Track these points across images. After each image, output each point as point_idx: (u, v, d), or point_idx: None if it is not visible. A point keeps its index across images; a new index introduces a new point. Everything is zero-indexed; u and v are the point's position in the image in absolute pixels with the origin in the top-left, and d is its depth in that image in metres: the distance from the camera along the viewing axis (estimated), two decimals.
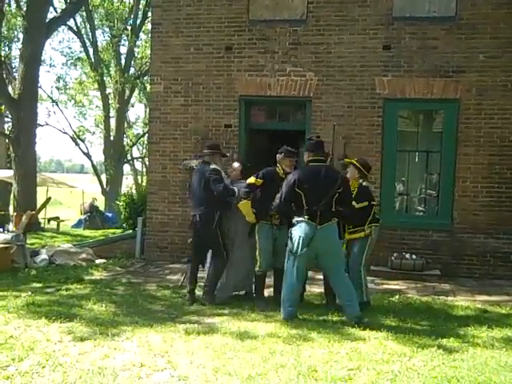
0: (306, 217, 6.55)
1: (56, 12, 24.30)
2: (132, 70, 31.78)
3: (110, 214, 24.53)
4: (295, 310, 6.77)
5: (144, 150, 40.06)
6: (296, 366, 5.04)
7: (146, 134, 28.82)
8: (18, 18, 25.19)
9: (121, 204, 14.96)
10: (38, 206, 16.44)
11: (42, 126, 31.61)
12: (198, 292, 7.71)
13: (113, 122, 31.71)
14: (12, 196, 20.68)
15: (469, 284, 9.64)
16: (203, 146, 7.63)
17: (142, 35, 31.10)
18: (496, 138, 10.20)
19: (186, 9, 11.09)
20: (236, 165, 8.10)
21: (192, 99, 11.12)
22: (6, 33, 25.53)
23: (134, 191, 15.70)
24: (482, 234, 10.28)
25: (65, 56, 33.97)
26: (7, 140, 22.11)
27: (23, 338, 5.67)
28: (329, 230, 6.58)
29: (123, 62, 31.01)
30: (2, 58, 22.47)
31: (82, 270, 9.85)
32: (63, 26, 28.00)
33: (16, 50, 28.27)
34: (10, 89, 21.35)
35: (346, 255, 7.25)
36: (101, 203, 29.64)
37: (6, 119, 26.11)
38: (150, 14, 20.62)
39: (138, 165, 45.38)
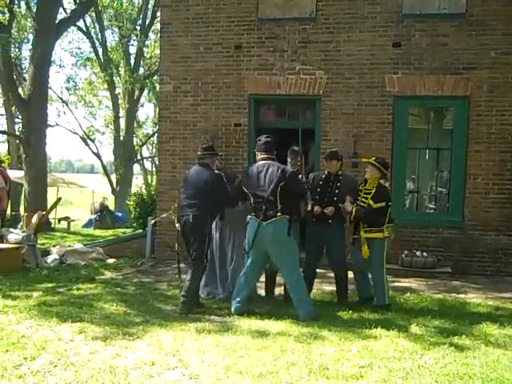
0: (252, 214, 6.69)
1: (66, 13, 24.33)
2: (141, 70, 31.85)
3: (120, 214, 24.56)
4: (242, 305, 6.81)
5: (154, 150, 40.23)
6: (307, 363, 5.03)
7: (156, 134, 28.89)
8: (28, 20, 25.33)
9: (131, 203, 15.02)
10: (49, 206, 16.50)
11: (52, 126, 31.81)
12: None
13: (122, 122, 31.76)
14: (23, 196, 20.76)
15: (480, 281, 9.60)
16: (200, 149, 7.31)
17: (151, 35, 31.20)
18: (507, 134, 10.15)
19: (194, 8, 11.09)
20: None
21: (201, 98, 11.13)
22: (16, 34, 25.66)
23: (143, 191, 15.74)
24: (493, 231, 10.23)
25: (74, 56, 34.22)
26: (18, 141, 22.21)
27: (35, 338, 5.69)
28: (274, 226, 6.55)
29: (132, 61, 31.07)
30: (13, 60, 22.58)
31: (93, 270, 9.88)
32: (73, 27, 28.11)
33: (26, 51, 28.47)
34: (20, 90, 21.47)
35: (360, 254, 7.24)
36: (111, 203, 29.72)
37: (17, 120, 26.28)
38: (158, 13, 20.60)
39: (147, 164, 45.60)
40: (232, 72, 10.98)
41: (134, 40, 30.76)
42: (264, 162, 6.79)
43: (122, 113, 32.19)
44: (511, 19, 10.06)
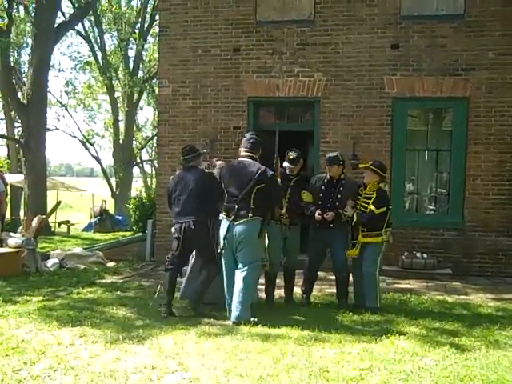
0: (224, 213, 6.61)
1: (64, 17, 24.38)
2: (140, 74, 31.83)
3: (120, 217, 24.55)
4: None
5: (153, 153, 40.21)
6: (307, 366, 5.02)
7: (155, 137, 28.89)
8: (27, 24, 25.33)
9: (131, 207, 15.01)
10: (49, 210, 16.50)
11: (51, 130, 31.83)
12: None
13: (122, 126, 31.76)
14: (22, 200, 20.77)
15: (480, 282, 9.60)
16: (182, 153, 7.18)
17: (149, 38, 31.19)
18: (506, 135, 10.15)
19: (193, 11, 11.10)
20: (219, 162, 7.80)
21: (200, 101, 11.13)
22: (15, 39, 25.67)
23: (143, 194, 15.74)
24: (493, 232, 10.23)
25: (73, 60, 34.14)
26: (17, 145, 22.22)
27: (35, 342, 5.69)
28: (244, 226, 6.44)
29: (131, 65, 31.06)
30: (12, 64, 22.60)
31: (93, 274, 9.87)
32: (71, 31, 28.16)
33: (25, 55, 28.47)
34: (19, 94, 21.49)
35: (358, 258, 7.24)
36: (111, 206, 29.71)
37: (16, 124, 26.30)
38: (157, 17, 20.63)
39: (147, 167, 45.57)
40: (231, 75, 10.99)
41: (132, 43, 30.77)
42: (245, 159, 6.67)
43: (121, 116, 32.20)
44: (509, 20, 10.07)
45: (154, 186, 26.89)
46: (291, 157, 7.34)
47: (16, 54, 27.88)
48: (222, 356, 5.30)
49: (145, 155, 42.01)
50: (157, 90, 16.05)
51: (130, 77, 29.62)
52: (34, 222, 10.76)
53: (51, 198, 20.52)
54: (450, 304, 7.83)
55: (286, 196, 7.22)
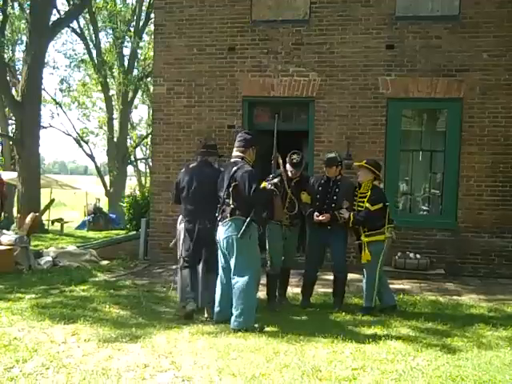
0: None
1: (59, 14, 24.21)
2: (135, 72, 31.76)
3: (113, 215, 24.53)
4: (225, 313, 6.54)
5: (147, 151, 40.10)
6: (300, 365, 5.03)
7: (150, 136, 28.84)
8: (22, 21, 25.27)
9: (124, 205, 15.00)
10: (42, 207, 16.48)
11: (45, 128, 31.62)
12: None
13: (116, 124, 31.67)
14: (16, 198, 20.70)
15: (473, 283, 9.62)
16: (204, 145, 7.14)
17: (145, 37, 31.14)
18: (500, 136, 10.18)
19: (188, 10, 11.09)
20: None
21: (195, 100, 11.12)
22: (9, 35, 25.61)
23: (137, 192, 15.73)
24: (486, 233, 10.25)
25: (68, 58, 33.99)
26: (11, 142, 22.15)
27: (27, 340, 5.68)
28: (226, 227, 6.35)
29: (126, 63, 30.99)
30: (6, 61, 22.52)
31: (86, 272, 9.85)
32: (66, 28, 28.05)
33: (19, 52, 28.41)
34: (13, 91, 21.40)
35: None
36: (105, 204, 29.65)
37: (10, 121, 26.21)
38: (152, 15, 20.60)
39: (141, 166, 45.45)
40: (225, 74, 10.98)
41: (127, 42, 30.70)
42: (233, 159, 6.59)
43: (115, 114, 32.11)
44: (504, 21, 10.09)
45: (148, 185, 26.87)
46: (295, 160, 7.21)
47: (10, 51, 27.79)
48: (215, 355, 5.31)
49: (139, 153, 41.93)
50: (151, 88, 16.05)
51: (125, 75, 29.56)
52: (27, 220, 10.75)
53: (45, 196, 20.48)
54: (443, 304, 7.85)
55: (286, 197, 7.21)
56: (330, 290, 7.78)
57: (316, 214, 7.21)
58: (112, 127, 31.87)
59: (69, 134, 34.69)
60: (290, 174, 7.26)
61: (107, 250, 12.00)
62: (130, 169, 39.73)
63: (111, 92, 32.38)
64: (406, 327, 6.50)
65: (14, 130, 23.14)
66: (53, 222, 23.07)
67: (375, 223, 7.12)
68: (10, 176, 20.81)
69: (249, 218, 6.25)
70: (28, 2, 19.90)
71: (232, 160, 6.62)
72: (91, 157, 35.33)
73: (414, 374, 4.89)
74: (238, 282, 6.28)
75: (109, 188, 32.28)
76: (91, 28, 30.10)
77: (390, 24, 10.43)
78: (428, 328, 6.52)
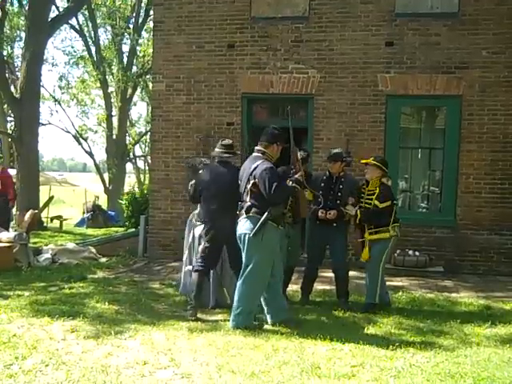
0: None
1: (58, 11, 24.24)
2: (134, 69, 31.67)
3: (112, 213, 24.47)
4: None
5: (146, 149, 40.05)
6: (299, 363, 5.04)
7: (149, 133, 28.80)
8: (21, 18, 25.21)
9: (123, 202, 14.97)
10: (41, 204, 16.47)
11: (44, 125, 31.56)
12: None
13: (115, 121, 31.60)
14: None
15: (472, 280, 9.63)
16: (219, 145, 6.92)
17: (144, 33, 31.00)
18: (499, 134, 10.17)
19: (187, 6, 11.06)
20: None
21: (194, 97, 11.11)
22: (8, 32, 25.53)
23: (136, 189, 15.70)
24: (485, 231, 10.26)
25: (67, 55, 33.87)
26: (10, 139, 22.12)
27: (26, 337, 5.69)
28: (240, 224, 6.27)
29: (125, 60, 30.93)
30: (5, 58, 22.48)
31: (85, 269, 9.86)
32: (65, 25, 27.99)
33: (18, 49, 28.32)
34: (12, 88, 21.37)
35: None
36: (103, 202, 29.61)
37: (9, 118, 26.17)
38: (152, 12, 20.56)
39: (140, 163, 45.39)
40: (225, 71, 10.97)
41: (127, 38, 30.63)
42: (254, 154, 6.46)
43: (114, 111, 32.04)
44: (503, 19, 10.09)
45: (147, 182, 26.85)
46: (300, 157, 7.12)
47: (9, 48, 27.73)
48: (214, 352, 5.31)
49: (138, 151, 41.86)
50: (150, 85, 16.03)
51: (124, 72, 29.50)
52: (27, 217, 10.75)
53: (44, 193, 20.47)
54: (442, 302, 7.85)
55: None
56: (329, 288, 7.80)
57: (321, 211, 7.19)
58: (111, 124, 31.82)
59: (68, 131, 34.63)
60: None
61: (106, 248, 11.99)
62: (128, 166, 39.70)
63: (110, 89, 32.31)
64: (404, 324, 6.51)
65: (12, 127, 23.10)
66: (52, 220, 23.03)
67: (381, 220, 7.11)
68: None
69: (263, 217, 6.05)
70: None
71: (253, 155, 6.47)
72: (90, 154, 35.27)
73: (412, 371, 4.90)
74: (242, 281, 6.22)
75: (108, 185, 32.24)
76: (90, 25, 30.02)
77: (389, 21, 10.41)
78: (427, 325, 6.53)
